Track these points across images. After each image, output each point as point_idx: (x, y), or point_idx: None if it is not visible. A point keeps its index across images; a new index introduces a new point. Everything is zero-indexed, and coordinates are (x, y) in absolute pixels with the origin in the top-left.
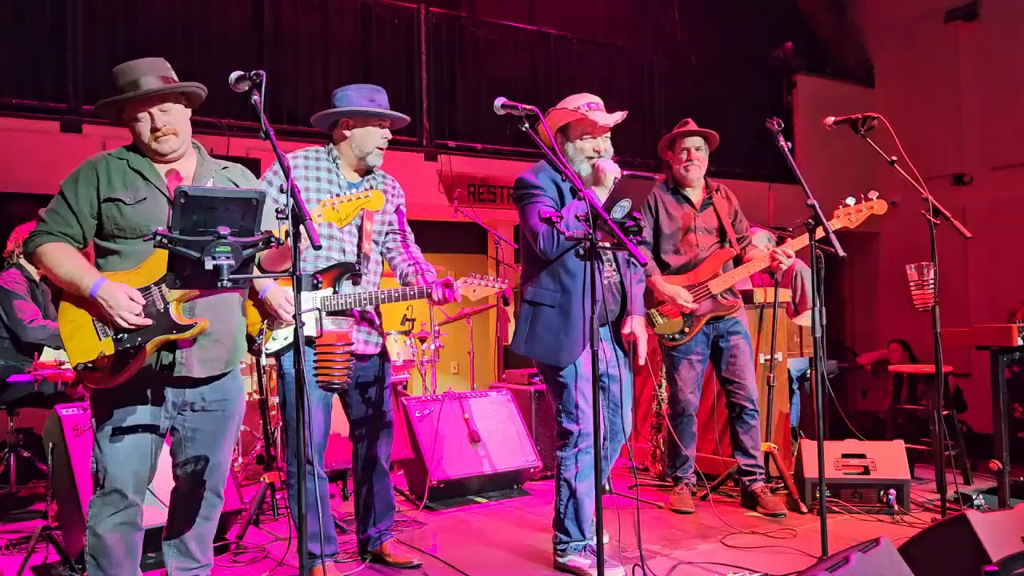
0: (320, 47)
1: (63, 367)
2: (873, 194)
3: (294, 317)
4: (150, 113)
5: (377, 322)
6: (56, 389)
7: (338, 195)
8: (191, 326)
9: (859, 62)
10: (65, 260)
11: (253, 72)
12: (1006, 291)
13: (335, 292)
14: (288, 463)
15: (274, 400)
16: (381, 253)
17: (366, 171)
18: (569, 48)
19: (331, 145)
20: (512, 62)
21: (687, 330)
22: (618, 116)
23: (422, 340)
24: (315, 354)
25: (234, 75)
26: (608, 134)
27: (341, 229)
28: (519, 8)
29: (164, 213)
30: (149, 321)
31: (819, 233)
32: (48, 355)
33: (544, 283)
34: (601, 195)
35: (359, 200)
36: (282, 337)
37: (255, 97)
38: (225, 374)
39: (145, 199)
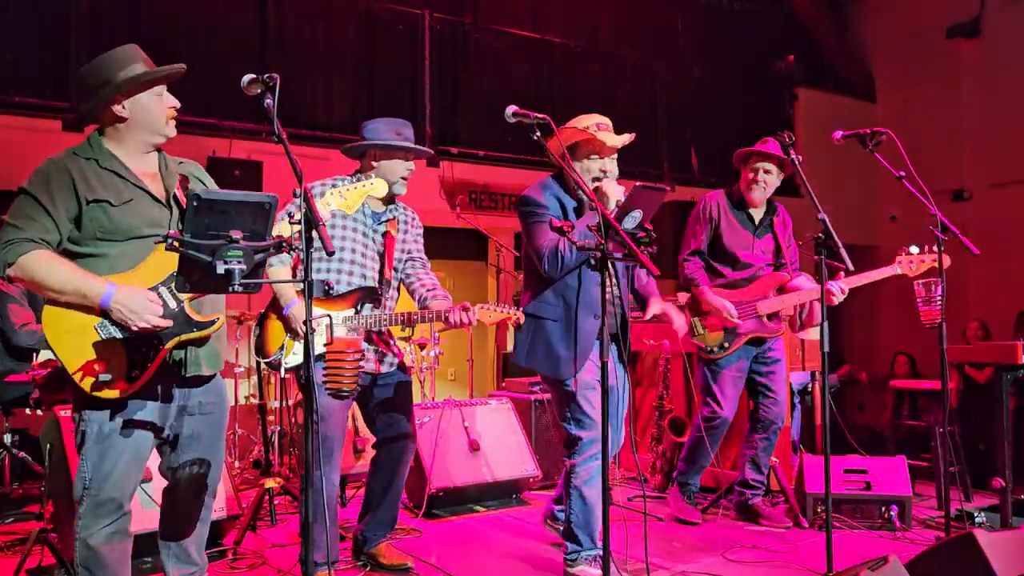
0: (323, 52)
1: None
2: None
3: (304, 323)
4: (161, 96)
5: (392, 342)
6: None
7: (347, 188)
8: (211, 323)
9: (861, 76)
10: (59, 269)
11: (266, 75)
12: (1006, 308)
13: (357, 312)
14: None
15: (273, 405)
16: (399, 279)
17: (390, 200)
18: (572, 56)
19: (359, 174)
20: (515, 69)
21: (727, 345)
22: (627, 137)
23: (421, 347)
24: (325, 361)
25: (246, 78)
26: (615, 155)
27: (364, 256)
28: (523, 16)
29: (151, 212)
30: (170, 322)
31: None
32: (46, 356)
33: (546, 297)
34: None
35: (364, 188)
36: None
37: (267, 101)
38: (215, 374)
39: (131, 200)
